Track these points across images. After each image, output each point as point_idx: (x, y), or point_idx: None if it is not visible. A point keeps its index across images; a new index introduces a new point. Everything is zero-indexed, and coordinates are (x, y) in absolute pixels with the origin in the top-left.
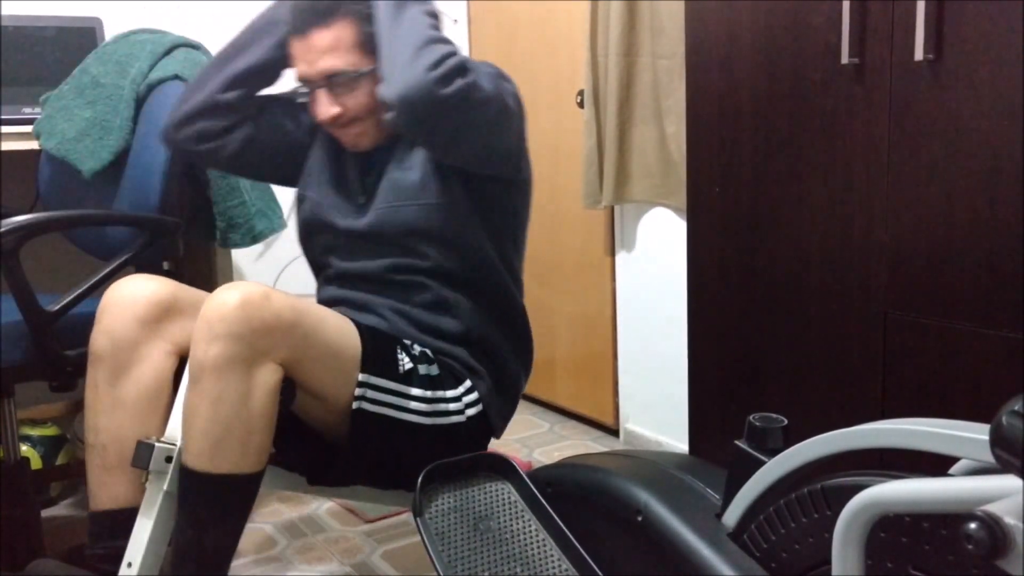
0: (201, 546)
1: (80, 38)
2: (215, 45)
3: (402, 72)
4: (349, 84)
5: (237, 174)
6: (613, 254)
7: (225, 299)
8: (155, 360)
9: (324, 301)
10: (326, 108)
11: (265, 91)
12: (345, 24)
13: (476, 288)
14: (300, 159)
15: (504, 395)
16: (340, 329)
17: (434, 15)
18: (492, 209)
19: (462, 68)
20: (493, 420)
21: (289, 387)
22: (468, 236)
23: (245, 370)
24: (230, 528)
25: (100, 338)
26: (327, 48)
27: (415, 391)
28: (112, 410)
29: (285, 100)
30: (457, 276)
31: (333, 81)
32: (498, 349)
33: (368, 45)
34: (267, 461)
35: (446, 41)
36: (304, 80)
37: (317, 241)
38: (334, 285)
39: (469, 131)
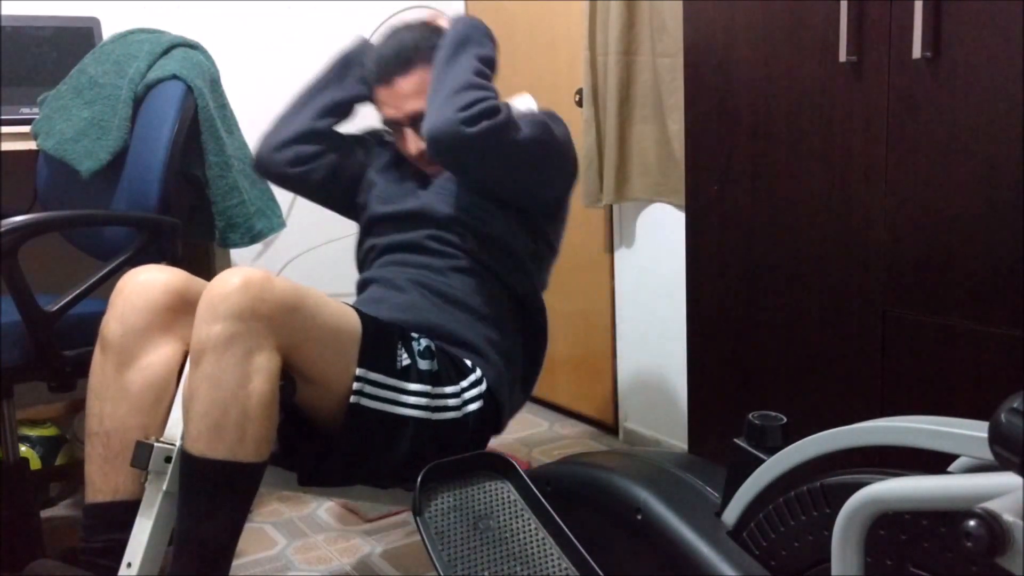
0: (199, 537)
1: (78, 38)
2: (213, 45)
3: (438, 111)
4: None
5: (318, 199)
6: (612, 251)
7: (227, 280)
8: (164, 352)
9: (360, 284)
10: (415, 143)
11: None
12: (423, 70)
13: (502, 278)
14: (361, 188)
15: (512, 385)
16: (340, 315)
17: (487, 60)
18: (534, 228)
19: (492, 111)
20: (503, 404)
21: (290, 382)
22: (507, 238)
23: (245, 352)
24: (228, 520)
25: (112, 324)
26: (410, 93)
27: (412, 386)
28: (118, 398)
29: (358, 137)
30: (486, 260)
31: (419, 121)
32: (509, 338)
33: None
34: (268, 456)
35: (485, 87)
36: (392, 122)
37: (371, 232)
38: (373, 265)
39: (495, 169)
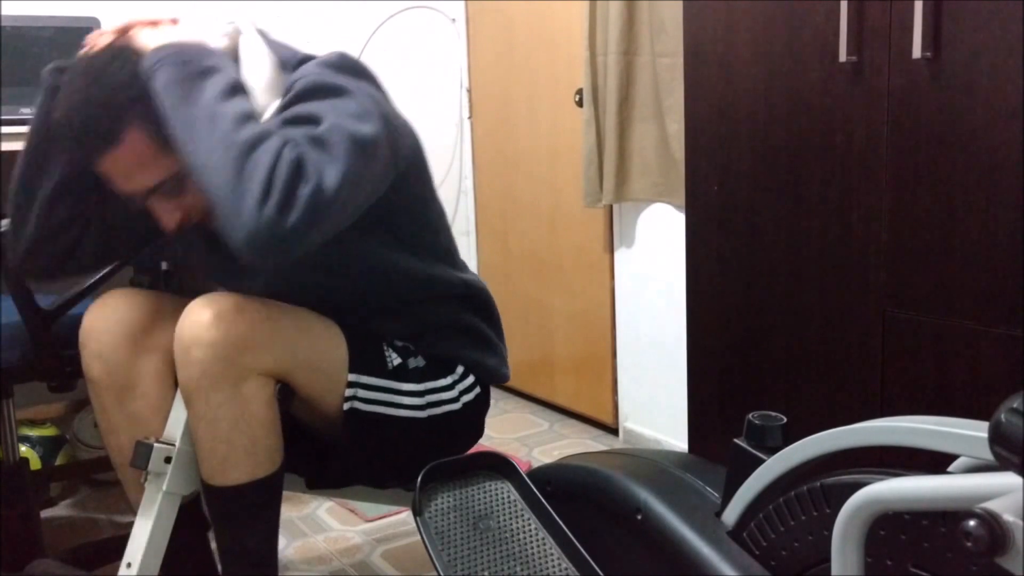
0: (243, 549)
1: (78, 38)
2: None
3: (230, 212)
4: (177, 186)
5: (120, 262)
6: (612, 251)
7: (197, 319)
8: (153, 373)
9: None
10: (169, 218)
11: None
12: (138, 132)
13: (420, 300)
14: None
15: (496, 356)
16: (323, 332)
17: (236, 87)
18: (384, 220)
19: (297, 167)
20: (498, 373)
21: (285, 390)
22: (370, 258)
23: (232, 387)
24: (264, 527)
25: (94, 364)
26: (131, 169)
27: (406, 386)
28: (130, 427)
29: None
30: (392, 297)
31: (158, 192)
32: (464, 322)
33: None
34: (283, 459)
35: (262, 137)
36: (128, 196)
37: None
38: None
39: (332, 227)
